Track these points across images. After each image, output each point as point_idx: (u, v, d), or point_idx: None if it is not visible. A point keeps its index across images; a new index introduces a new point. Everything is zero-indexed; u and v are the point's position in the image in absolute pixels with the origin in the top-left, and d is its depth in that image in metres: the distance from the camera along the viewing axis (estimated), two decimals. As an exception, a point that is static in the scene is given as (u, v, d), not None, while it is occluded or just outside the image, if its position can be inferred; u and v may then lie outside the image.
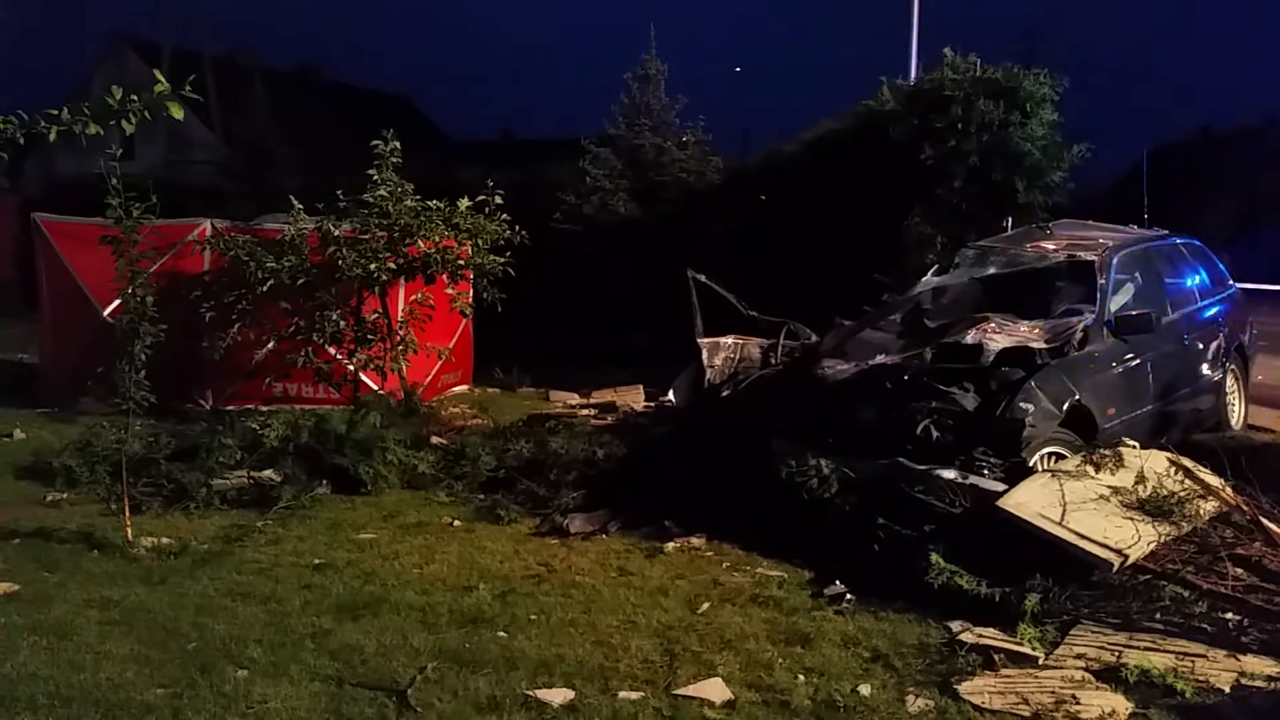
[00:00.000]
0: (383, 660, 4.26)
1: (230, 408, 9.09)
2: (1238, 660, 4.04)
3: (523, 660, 4.24)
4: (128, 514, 5.95)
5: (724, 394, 7.14)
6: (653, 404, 9.01)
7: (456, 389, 10.98)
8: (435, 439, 7.94)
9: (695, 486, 6.20)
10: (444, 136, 38.64)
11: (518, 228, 9.27)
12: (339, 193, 8.99)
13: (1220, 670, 3.96)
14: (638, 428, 7.95)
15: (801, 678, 4.06)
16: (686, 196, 13.94)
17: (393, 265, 8.80)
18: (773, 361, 7.40)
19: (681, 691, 3.93)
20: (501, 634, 4.54)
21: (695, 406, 7.32)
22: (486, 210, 9.19)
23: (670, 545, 5.78)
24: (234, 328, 9.13)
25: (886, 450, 5.61)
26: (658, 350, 9.36)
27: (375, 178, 8.87)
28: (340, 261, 8.63)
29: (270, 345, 9.44)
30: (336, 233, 8.74)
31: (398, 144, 8.95)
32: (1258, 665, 3.99)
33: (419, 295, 9.30)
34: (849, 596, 4.92)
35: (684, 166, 14.38)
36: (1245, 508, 4.82)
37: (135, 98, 4.43)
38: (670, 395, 7.76)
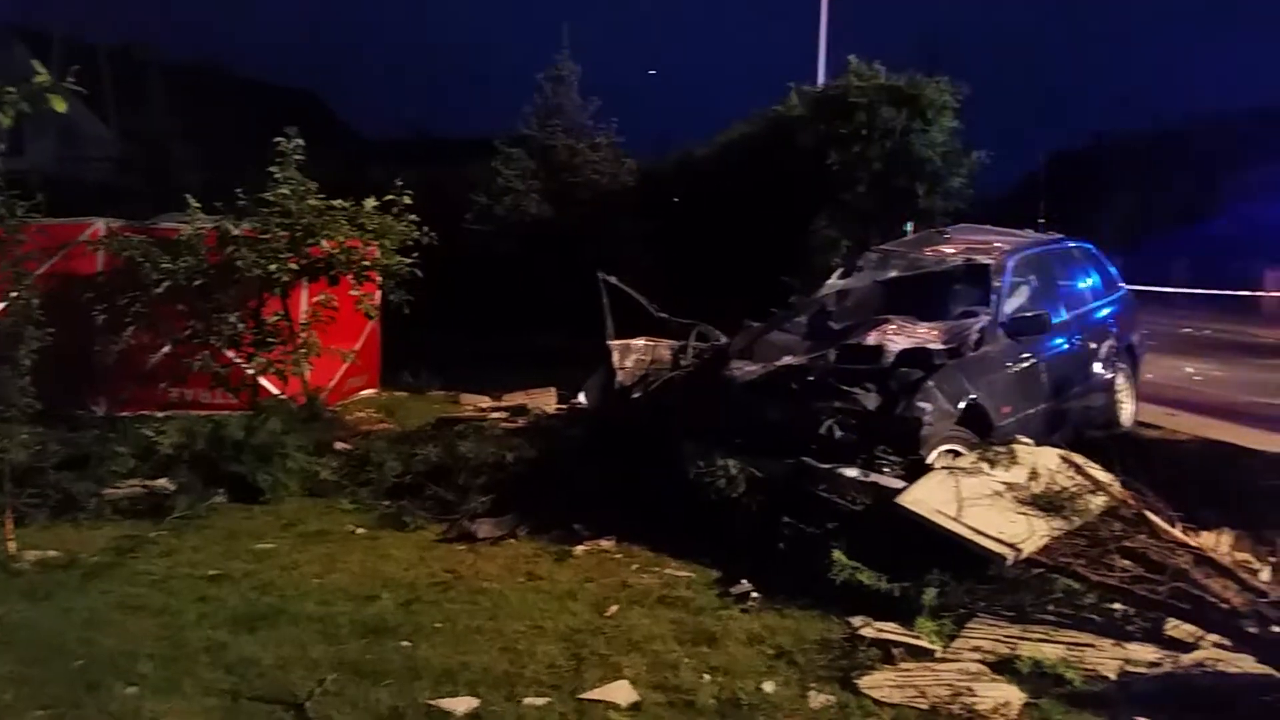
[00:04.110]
0: (280, 673, 4.14)
1: (124, 414, 8.73)
2: (1123, 648, 4.20)
3: (426, 669, 4.17)
4: (10, 526, 5.67)
5: (635, 396, 7.15)
6: (565, 406, 8.97)
7: (363, 393, 10.77)
8: (339, 444, 7.77)
9: (605, 489, 6.19)
10: (353, 134, 37.83)
11: (426, 228, 9.14)
12: (239, 191, 8.74)
13: (1107, 659, 4.10)
14: (549, 430, 7.89)
15: (707, 677, 4.08)
16: (600, 198, 13.96)
17: (294, 266, 8.58)
18: (683, 363, 7.43)
19: (587, 695, 3.91)
20: (405, 643, 4.46)
21: (606, 408, 7.32)
22: (394, 210, 9.03)
23: (579, 548, 5.76)
24: (128, 331, 8.81)
25: (792, 450, 5.69)
26: (571, 352, 9.33)
27: (277, 175, 8.64)
28: (239, 262, 8.38)
29: (166, 349, 9.13)
30: (235, 232, 8.49)
31: (301, 141, 8.74)
32: (1141, 652, 4.15)
33: (322, 297, 9.08)
34: (755, 595, 4.96)
35: (597, 168, 14.41)
36: (1132, 502, 5.01)
37: (13, 89, 4.23)
38: (581, 397, 7.75)
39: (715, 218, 11.54)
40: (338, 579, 5.32)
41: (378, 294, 9.57)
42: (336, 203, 8.82)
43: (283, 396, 8.65)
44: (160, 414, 8.45)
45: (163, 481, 6.76)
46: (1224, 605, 4.26)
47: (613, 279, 7.67)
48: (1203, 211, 34.18)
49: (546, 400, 9.57)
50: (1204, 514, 5.52)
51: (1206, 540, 5.15)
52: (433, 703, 3.86)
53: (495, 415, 8.92)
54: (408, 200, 9.01)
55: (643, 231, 12.52)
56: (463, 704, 3.85)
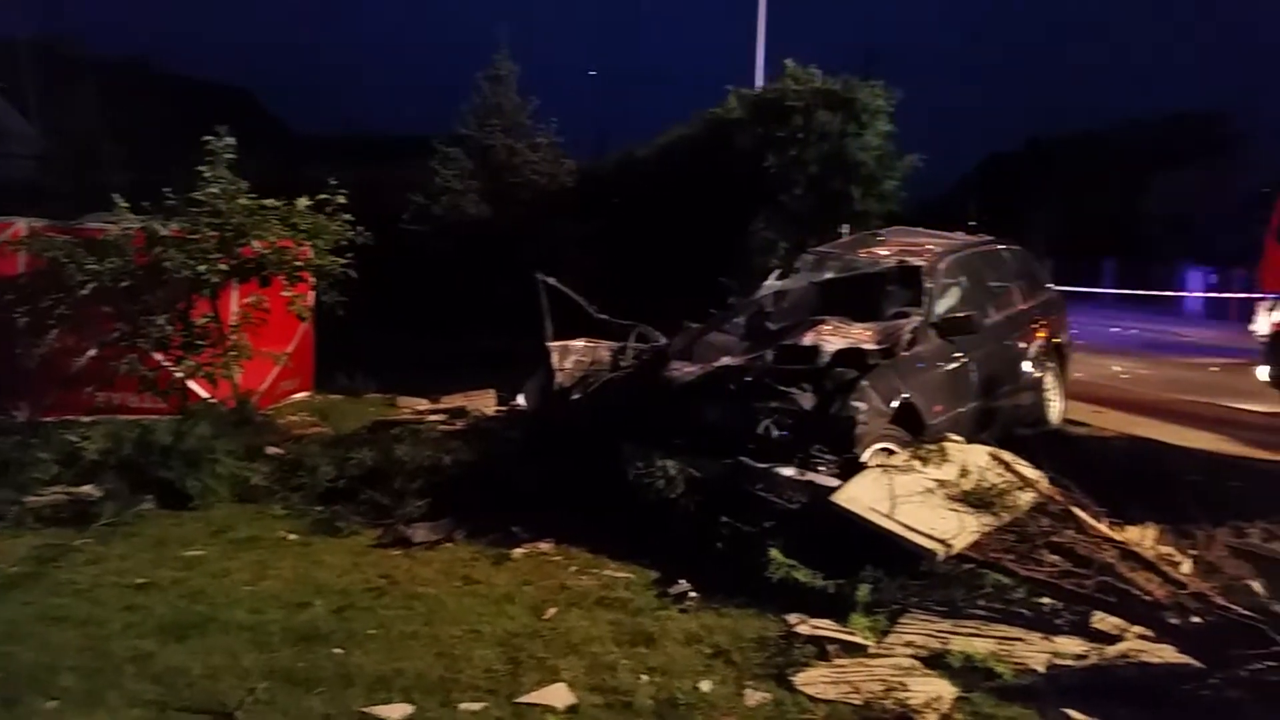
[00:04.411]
0: (210, 683, 4.04)
1: (47, 419, 8.45)
2: (1052, 641, 4.29)
3: (360, 676, 4.11)
4: (-76, 537, 5.48)
5: (574, 397, 7.13)
6: (504, 408, 8.90)
7: (296, 396, 10.57)
8: (270, 449, 7.61)
9: (544, 491, 6.17)
10: (288, 133, 37.20)
11: (360, 228, 9.01)
12: (167, 190, 8.53)
13: (1036, 652, 4.19)
14: (488, 432, 7.82)
15: (645, 677, 4.08)
16: (539, 198, 13.92)
17: (224, 266, 8.40)
18: (622, 364, 7.43)
19: (524, 699, 3.89)
20: (338, 650, 4.38)
21: (545, 410, 7.28)
22: (327, 210, 8.89)
23: (518, 551, 5.73)
24: (51, 334, 8.55)
25: (731, 450, 5.73)
26: (510, 353, 9.27)
27: (206, 175, 8.45)
28: (167, 263, 8.18)
29: (92, 352, 8.85)
30: (163, 232, 8.29)
31: (232, 139, 8.56)
32: (1069, 645, 4.25)
33: (253, 298, 8.91)
34: (693, 594, 4.98)
35: (536, 168, 14.37)
36: (1060, 498, 5.13)
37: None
38: (520, 399, 7.70)
39: (655, 219, 11.57)
40: (269, 586, 5.22)
41: (311, 295, 9.41)
42: (268, 202, 8.65)
43: (212, 400, 8.47)
44: (86, 419, 8.22)
45: (88, 488, 6.56)
46: (1147, 598, 4.39)
47: (551, 280, 7.63)
48: (1130, 214, 35.22)
49: (485, 402, 9.49)
50: (1129, 509, 5.64)
51: (1131, 535, 5.28)
52: (366, 710, 3.81)
53: (433, 418, 8.82)
54: (342, 200, 8.87)
55: (582, 232, 12.50)
56: (397, 711, 3.81)
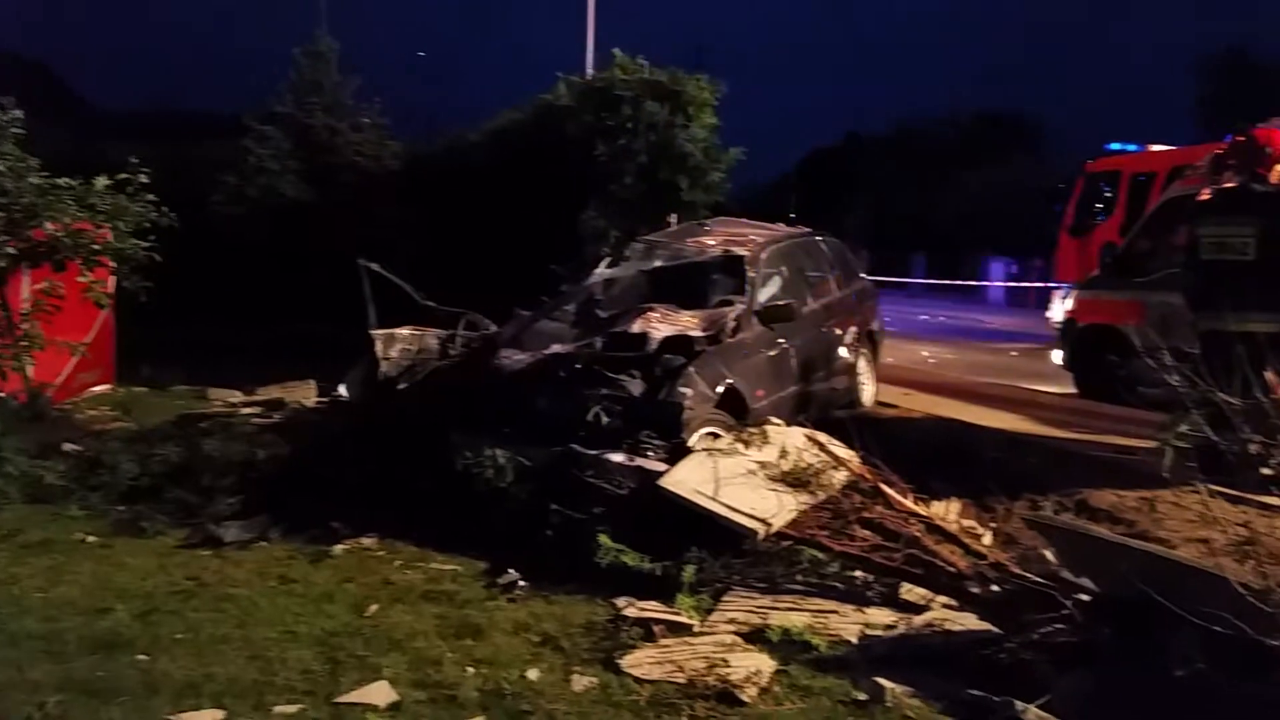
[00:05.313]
0: (-6, 700, 3.73)
1: None
2: (864, 613, 4.50)
3: (166, 684, 3.87)
4: None
5: (400, 387, 6.95)
6: (325, 399, 8.58)
7: (96, 389, 9.85)
8: (67, 445, 7.07)
9: (368, 484, 5.97)
10: (90, 108, 34.64)
11: (166, 209, 8.46)
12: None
13: (849, 624, 4.39)
14: (307, 425, 7.51)
15: (471, 670, 4.03)
16: (363, 181, 13.44)
17: (13, 250, 7.68)
18: (451, 353, 7.30)
19: (344, 699, 3.76)
20: (142, 657, 4.12)
21: (370, 401, 7.07)
22: (129, 189, 8.30)
23: (338, 548, 5.52)
24: None
25: (561, 437, 5.72)
26: (334, 342, 8.93)
27: (-11, 150, 7.73)
28: (-55, 247, 7.44)
29: None
30: (-60, 213, 7.53)
31: (19, 113, 7.86)
32: (880, 616, 4.47)
33: (46, 284, 8.20)
34: (522, 583, 4.95)
35: (360, 150, 13.85)
36: (870, 476, 5.38)
37: None
38: (342, 389, 7.44)
39: (486, 204, 11.41)
40: (65, 592, 4.84)
41: (111, 281, 8.76)
42: (63, 181, 7.98)
43: (1, 395, 7.78)
44: None
45: None
46: (951, 569, 4.65)
47: (375, 266, 7.40)
48: (938, 207, 37.37)
49: (305, 394, 9.12)
50: (934, 485, 5.98)
51: (936, 509, 5.60)
52: (172, 718, 3.61)
53: (247, 410, 8.39)
54: (144, 179, 8.30)
55: (409, 217, 12.15)
56: (206, 717, 3.62)
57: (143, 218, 8.32)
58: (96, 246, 8.15)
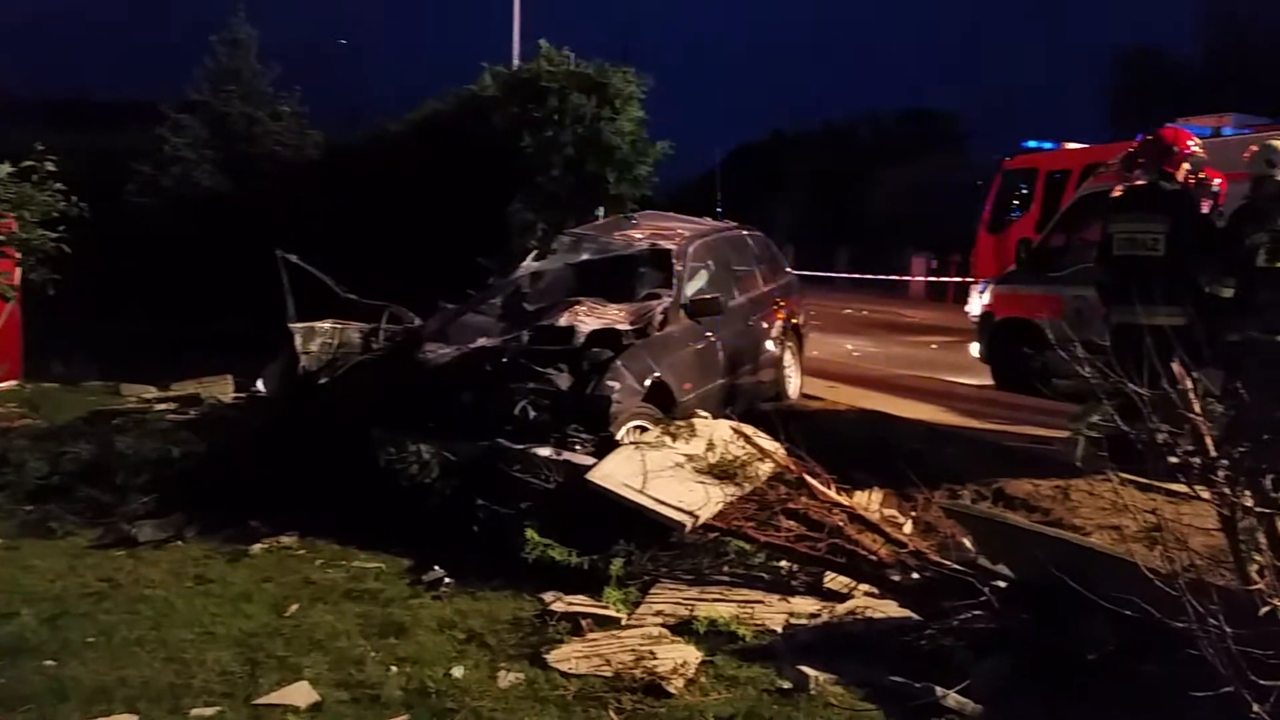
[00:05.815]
0: (-116, 713, 3.56)
1: None
2: (789, 602, 4.55)
3: (76, 689, 3.75)
4: None
5: (321, 381, 6.80)
6: (243, 395, 8.36)
7: (1, 385, 9.47)
8: (-32, 444, 6.79)
9: (287, 482, 5.83)
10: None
11: (76, 199, 8.17)
12: None
13: (775, 613, 4.43)
14: (224, 421, 7.31)
15: (394, 669, 3.97)
16: (283, 171, 13.15)
17: (-90, 241, 7.39)
18: (374, 346, 7.17)
19: (263, 700, 3.68)
20: (50, 662, 3.98)
21: (289, 396, 6.90)
22: (34, 178, 8.00)
23: (257, 547, 5.40)
24: None
25: (487, 432, 5.66)
26: (253, 337, 8.71)
27: (-120, 135, 7.37)
28: None
29: None
30: None
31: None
32: (804, 605, 4.52)
33: (-53, 276, 7.89)
34: (448, 580, 4.89)
35: (279, 139, 13.57)
36: (794, 468, 5.43)
37: None
38: (260, 385, 7.26)
39: (410, 196, 11.23)
40: (-35, 598, 4.65)
41: (17, 273, 8.44)
42: (-37, 169, 7.68)
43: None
44: None
45: None
46: (873, 557, 4.73)
47: (293, 257, 7.23)
48: (863, 203, 37.93)
49: (222, 389, 8.88)
50: (857, 475, 6.08)
51: (859, 499, 5.69)
52: (81, 725, 3.49)
53: (162, 407, 8.14)
54: (51, 167, 8.01)
55: (331, 208, 11.92)
56: (118, 723, 3.51)
57: (50, 207, 8.06)
58: (1, 237, 7.85)
